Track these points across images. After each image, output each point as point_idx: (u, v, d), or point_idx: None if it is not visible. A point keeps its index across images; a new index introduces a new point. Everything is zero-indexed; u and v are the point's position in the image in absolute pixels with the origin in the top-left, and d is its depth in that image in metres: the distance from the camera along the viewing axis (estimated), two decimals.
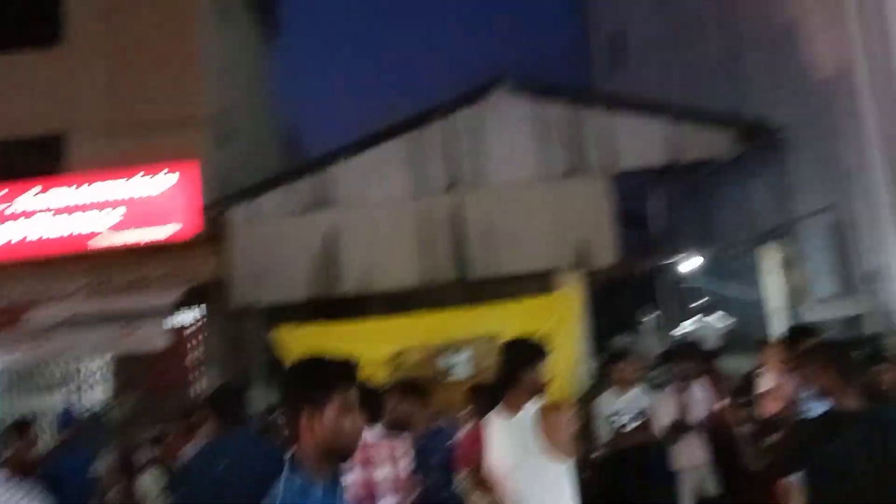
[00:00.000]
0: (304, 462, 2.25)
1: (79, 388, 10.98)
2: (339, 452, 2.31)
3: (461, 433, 4.70)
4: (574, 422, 3.43)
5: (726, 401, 4.86)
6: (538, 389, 3.68)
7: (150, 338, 9.96)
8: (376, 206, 10.86)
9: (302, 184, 11.04)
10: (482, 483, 4.23)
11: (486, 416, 4.06)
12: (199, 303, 10.84)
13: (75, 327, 10.06)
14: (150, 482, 6.92)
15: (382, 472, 4.17)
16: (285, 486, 2.22)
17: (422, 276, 10.66)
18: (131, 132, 11.16)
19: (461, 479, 4.43)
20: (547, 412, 3.44)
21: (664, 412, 6.02)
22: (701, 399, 6.29)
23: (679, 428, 6.06)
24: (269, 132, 15.45)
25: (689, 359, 6.90)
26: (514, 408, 4.05)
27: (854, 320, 9.47)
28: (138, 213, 10.82)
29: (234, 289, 10.78)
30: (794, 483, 4.44)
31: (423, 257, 10.69)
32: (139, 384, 11.12)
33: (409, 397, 4.96)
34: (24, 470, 6.08)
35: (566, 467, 3.36)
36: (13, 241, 10.93)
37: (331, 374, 2.33)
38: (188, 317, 11.05)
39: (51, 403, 10.87)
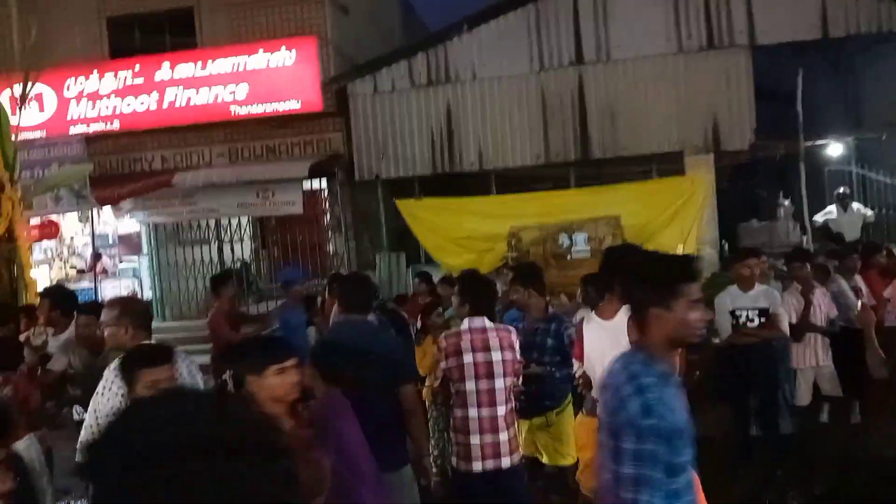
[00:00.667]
0: (653, 350, 2.40)
1: (230, 242, 11.87)
2: (683, 342, 2.50)
3: (577, 322, 4.78)
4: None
5: (860, 302, 4.65)
6: None
7: (287, 202, 10.63)
8: (497, 80, 10.63)
9: (422, 58, 10.91)
10: (586, 379, 4.36)
11: (587, 315, 4.09)
12: (328, 172, 11.31)
13: (219, 190, 10.82)
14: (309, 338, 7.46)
15: (497, 356, 4.36)
16: (644, 371, 2.34)
17: (543, 153, 10.52)
18: (257, 7, 11.41)
19: (577, 370, 4.58)
20: None
21: (789, 310, 5.85)
22: (831, 298, 6.05)
23: (802, 328, 5.90)
24: (389, 6, 15.22)
25: (829, 256, 6.60)
26: (611, 313, 4.06)
27: None
28: (264, 86, 11.19)
29: (359, 159, 11.10)
30: None
31: (545, 135, 10.49)
32: (280, 243, 11.97)
33: (527, 286, 5.05)
34: (230, 316, 6.86)
35: None
36: (156, 109, 11.60)
37: (676, 273, 2.44)
38: (319, 185, 11.59)
39: (200, 256, 11.92)
